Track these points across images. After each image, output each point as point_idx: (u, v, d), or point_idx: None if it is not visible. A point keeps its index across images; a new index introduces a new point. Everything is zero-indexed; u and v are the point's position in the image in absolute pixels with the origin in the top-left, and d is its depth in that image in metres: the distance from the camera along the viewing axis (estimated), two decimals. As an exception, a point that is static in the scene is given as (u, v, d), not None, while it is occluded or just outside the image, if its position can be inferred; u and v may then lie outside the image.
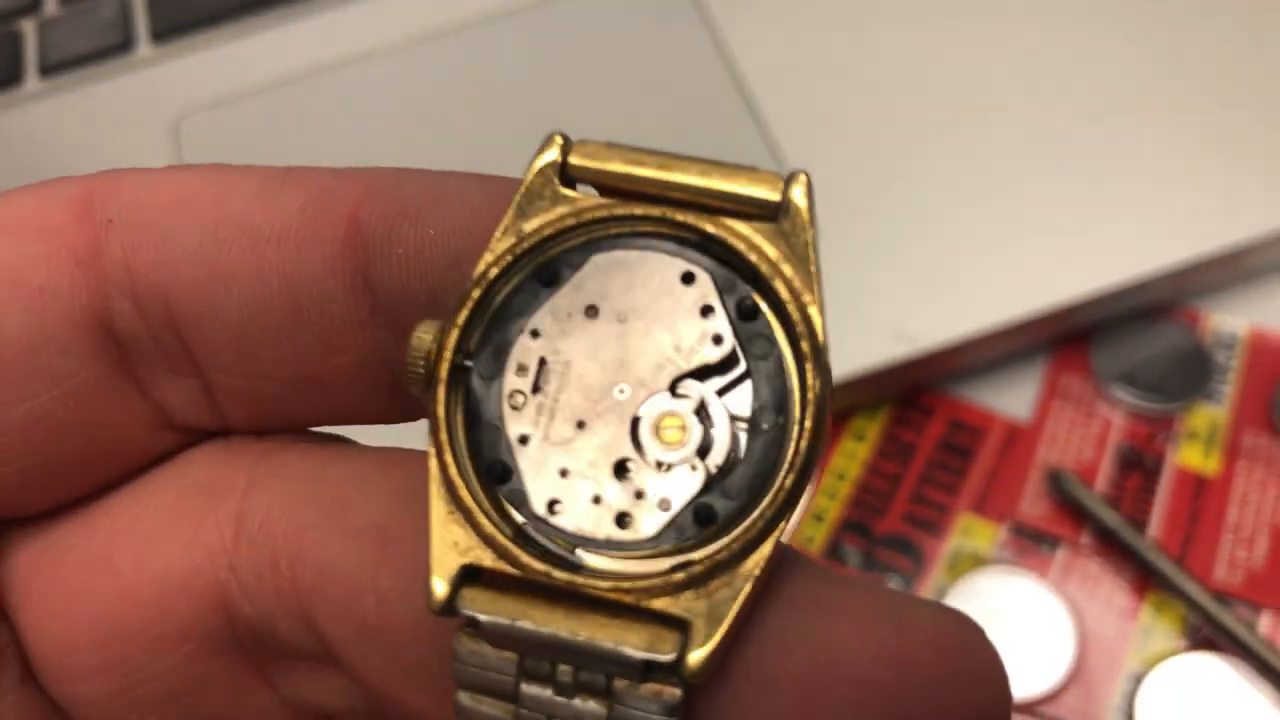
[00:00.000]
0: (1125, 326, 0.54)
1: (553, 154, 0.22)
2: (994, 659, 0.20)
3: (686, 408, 0.21)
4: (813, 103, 0.56)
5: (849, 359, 0.49)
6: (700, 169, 0.21)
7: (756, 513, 0.20)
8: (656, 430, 0.21)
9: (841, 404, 0.52)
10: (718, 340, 0.21)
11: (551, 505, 0.21)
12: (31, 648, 0.25)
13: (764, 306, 0.21)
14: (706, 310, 0.21)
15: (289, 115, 0.58)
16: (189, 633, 0.24)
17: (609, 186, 0.22)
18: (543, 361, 0.21)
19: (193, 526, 0.24)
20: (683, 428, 0.21)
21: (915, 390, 0.53)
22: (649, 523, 0.20)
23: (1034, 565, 0.48)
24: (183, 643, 0.24)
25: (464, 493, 0.21)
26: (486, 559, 0.20)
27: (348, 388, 0.25)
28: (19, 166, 0.58)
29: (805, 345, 0.20)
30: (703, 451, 0.21)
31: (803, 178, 0.21)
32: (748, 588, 0.20)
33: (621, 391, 0.21)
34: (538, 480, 0.21)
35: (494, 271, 0.21)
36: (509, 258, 0.21)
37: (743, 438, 0.21)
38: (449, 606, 0.20)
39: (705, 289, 0.21)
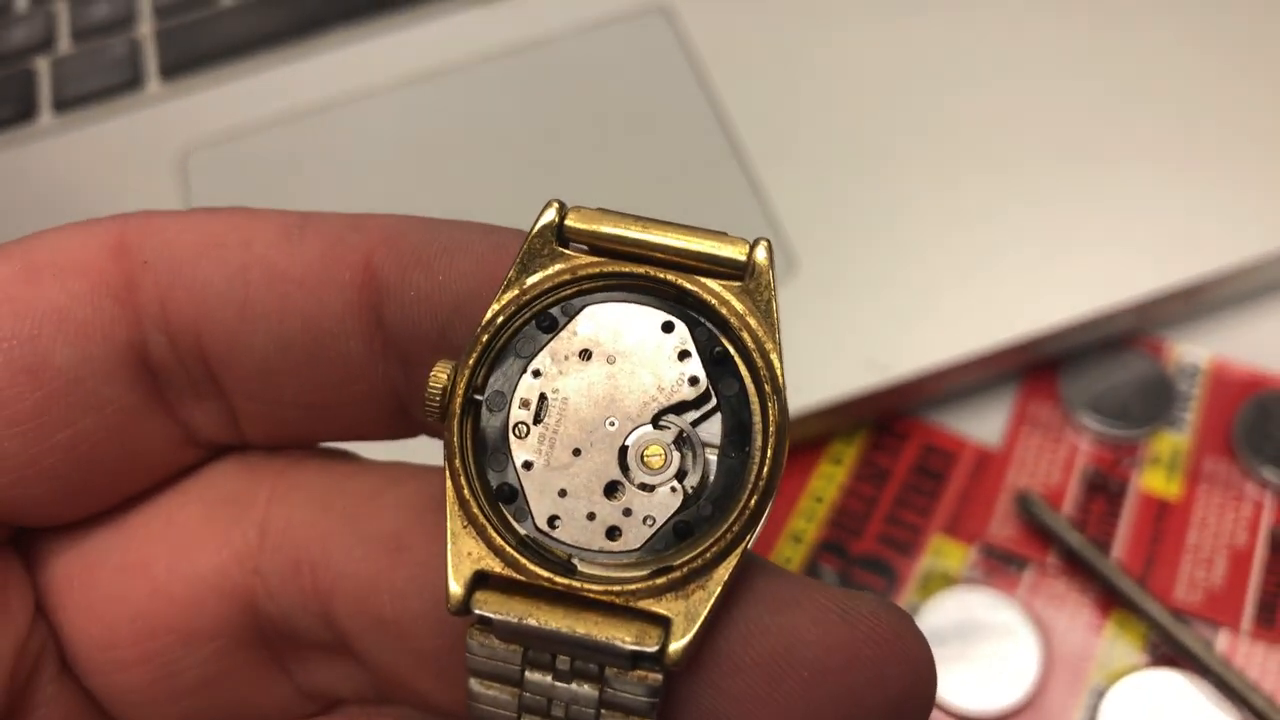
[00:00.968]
0: (1092, 356, 0.55)
1: (550, 216, 0.25)
2: (921, 644, 0.23)
3: (667, 438, 0.24)
4: (793, 140, 0.58)
5: (826, 387, 0.51)
6: (678, 233, 0.25)
7: (725, 527, 0.23)
8: (642, 457, 0.24)
9: (819, 430, 0.53)
10: (693, 381, 0.24)
11: (552, 521, 0.24)
12: (70, 643, 0.27)
13: (732, 351, 0.25)
14: (684, 355, 0.25)
15: (293, 151, 0.59)
16: (219, 628, 0.27)
17: (600, 247, 0.25)
18: (543, 397, 0.25)
19: (221, 534, 0.27)
20: (664, 455, 0.24)
21: (890, 416, 0.55)
22: (635, 536, 0.24)
23: (1003, 584, 0.50)
24: (214, 638, 0.27)
25: (476, 510, 0.24)
26: (496, 566, 0.24)
27: (358, 411, 0.28)
28: (35, 198, 0.60)
29: (767, 385, 0.24)
30: (681, 475, 0.24)
31: (764, 243, 0.25)
32: (719, 590, 0.23)
33: (611, 424, 0.24)
34: (541, 500, 0.24)
35: (500, 319, 0.25)
36: (513, 307, 0.25)
37: (714, 463, 0.24)
38: (464, 607, 0.23)
39: (682, 336, 0.25)
